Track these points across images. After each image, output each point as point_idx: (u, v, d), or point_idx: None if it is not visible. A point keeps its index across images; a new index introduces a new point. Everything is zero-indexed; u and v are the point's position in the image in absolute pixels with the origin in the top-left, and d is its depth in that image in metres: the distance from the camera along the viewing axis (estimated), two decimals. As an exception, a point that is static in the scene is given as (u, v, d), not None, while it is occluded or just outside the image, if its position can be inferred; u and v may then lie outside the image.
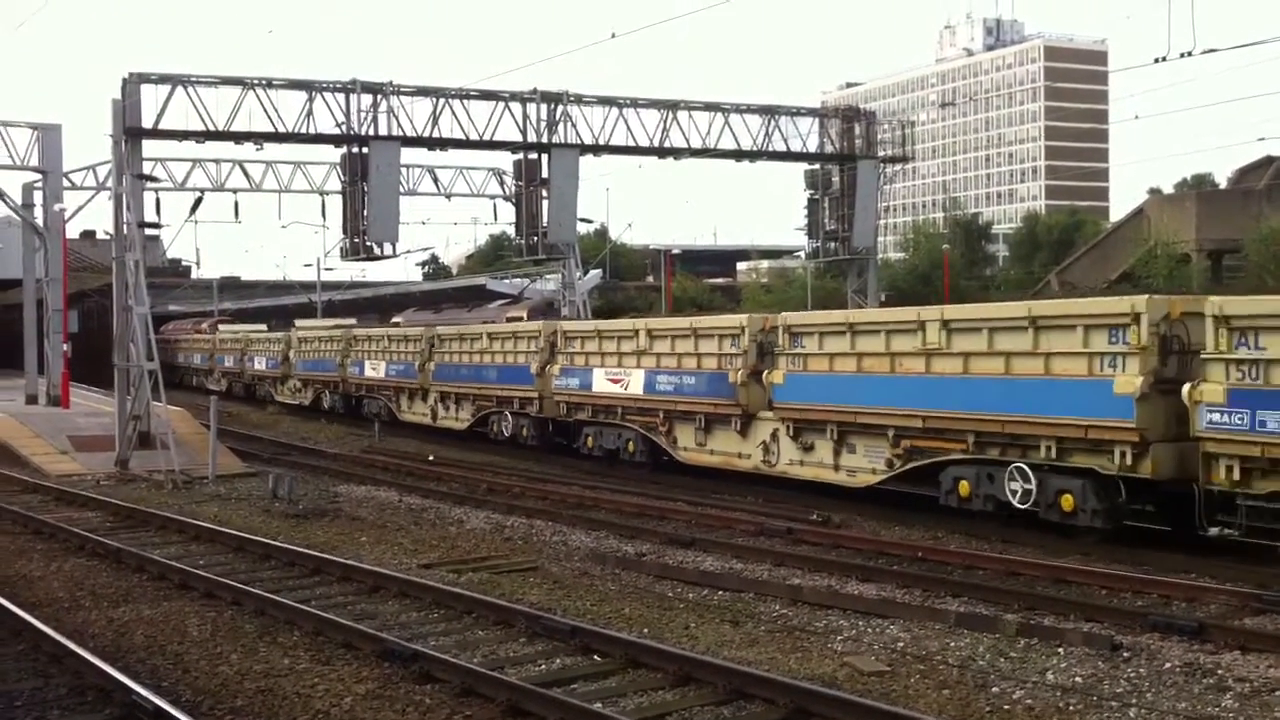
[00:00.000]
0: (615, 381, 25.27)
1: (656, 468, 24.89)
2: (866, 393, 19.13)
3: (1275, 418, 13.80)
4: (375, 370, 37.95)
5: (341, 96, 35.33)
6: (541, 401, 28.28)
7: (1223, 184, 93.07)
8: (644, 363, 24.49)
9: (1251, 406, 14.00)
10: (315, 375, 43.55)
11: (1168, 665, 11.02)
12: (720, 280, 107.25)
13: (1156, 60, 28.47)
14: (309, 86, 35.11)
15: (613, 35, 29.97)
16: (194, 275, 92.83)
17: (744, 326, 22.44)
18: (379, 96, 35.63)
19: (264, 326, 60.78)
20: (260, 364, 50.29)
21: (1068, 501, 16.25)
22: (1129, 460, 15.52)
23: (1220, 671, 10.79)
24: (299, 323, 54.33)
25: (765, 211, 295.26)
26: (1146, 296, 16.12)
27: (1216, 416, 14.36)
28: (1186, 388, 14.76)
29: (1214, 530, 14.79)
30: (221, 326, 63.95)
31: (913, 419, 18.22)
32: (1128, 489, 15.85)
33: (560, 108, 37.78)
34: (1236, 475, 14.25)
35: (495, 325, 35.21)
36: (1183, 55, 27.37)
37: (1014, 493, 16.95)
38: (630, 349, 25.23)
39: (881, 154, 43.56)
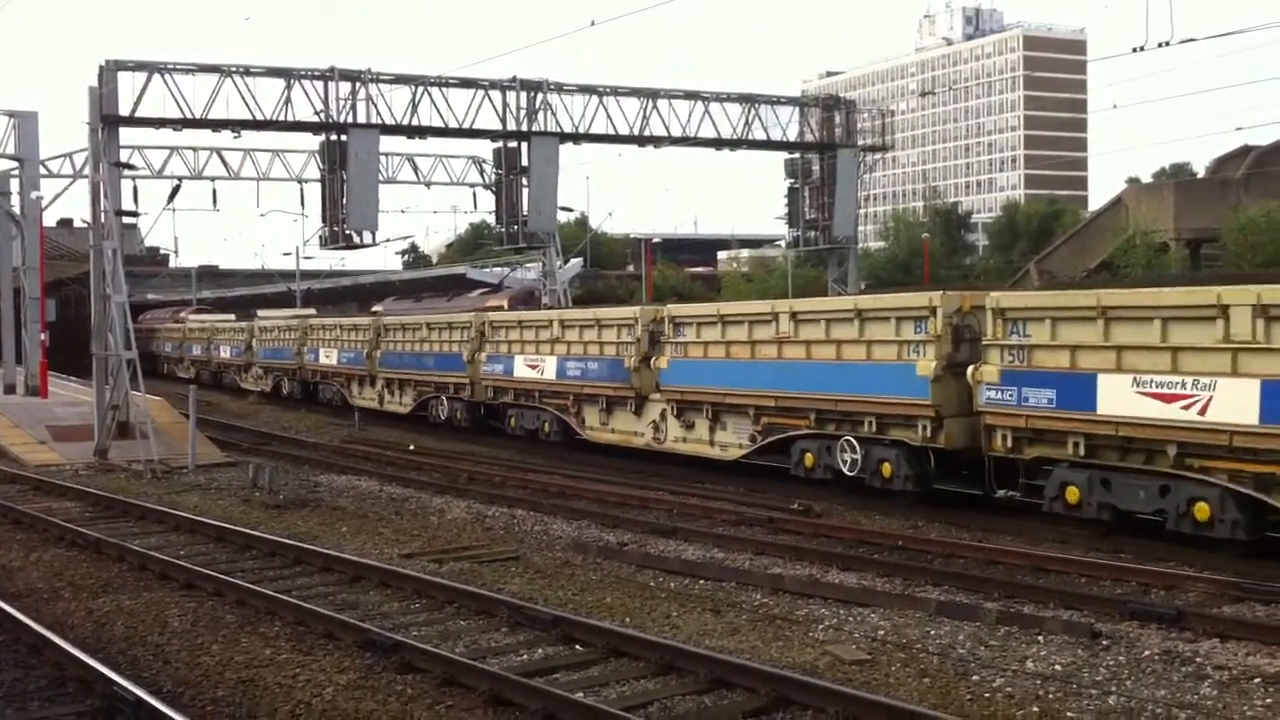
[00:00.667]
0: (533, 368, 27.62)
1: (570, 446, 27.04)
2: (734, 376, 21.76)
3: (1036, 394, 16.39)
4: (329, 358, 40.21)
5: (320, 84, 35.16)
6: (473, 387, 30.62)
7: (1201, 173, 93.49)
8: (557, 350, 26.57)
9: (1019, 385, 16.62)
10: (275, 363, 45.74)
11: (1147, 653, 11.09)
12: (701, 269, 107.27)
13: (1135, 50, 28.51)
14: (287, 74, 34.94)
15: (592, 23, 30.02)
16: (172, 263, 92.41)
17: (636, 317, 24.66)
18: (358, 84, 35.47)
19: (232, 316, 62.10)
20: (226, 352, 52.41)
21: (886, 469, 18.94)
22: (929, 433, 18.13)
23: (1199, 659, 10.87)
24: (260, 313, 55.82)
25: (746, 200, 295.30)
26: (941, 292, 18.38)
27: (993, 394, 16.93)
28: (970, 369, 17.28)
29: (1001, 493, 17.60)
30: (190, 316, 64.95)
31: (768, 399, 20.92)
32: (935, 458, 18.49)
33: (540, 96, 37.68)
34: (1010, 443, 16.91)
35: (433, 315, 36.77)
36: (1161, 45, 27.44)
37: (845, 462, 19.69)
38: (546, 338, 27.34)
39: (861, 143, 43.59)
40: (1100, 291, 16.10)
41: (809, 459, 20.41)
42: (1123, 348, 15.42)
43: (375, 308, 60.23)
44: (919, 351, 18.17)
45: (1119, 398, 15.30)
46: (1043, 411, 16.28)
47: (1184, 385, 14.62)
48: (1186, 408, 14.57)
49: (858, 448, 19.35)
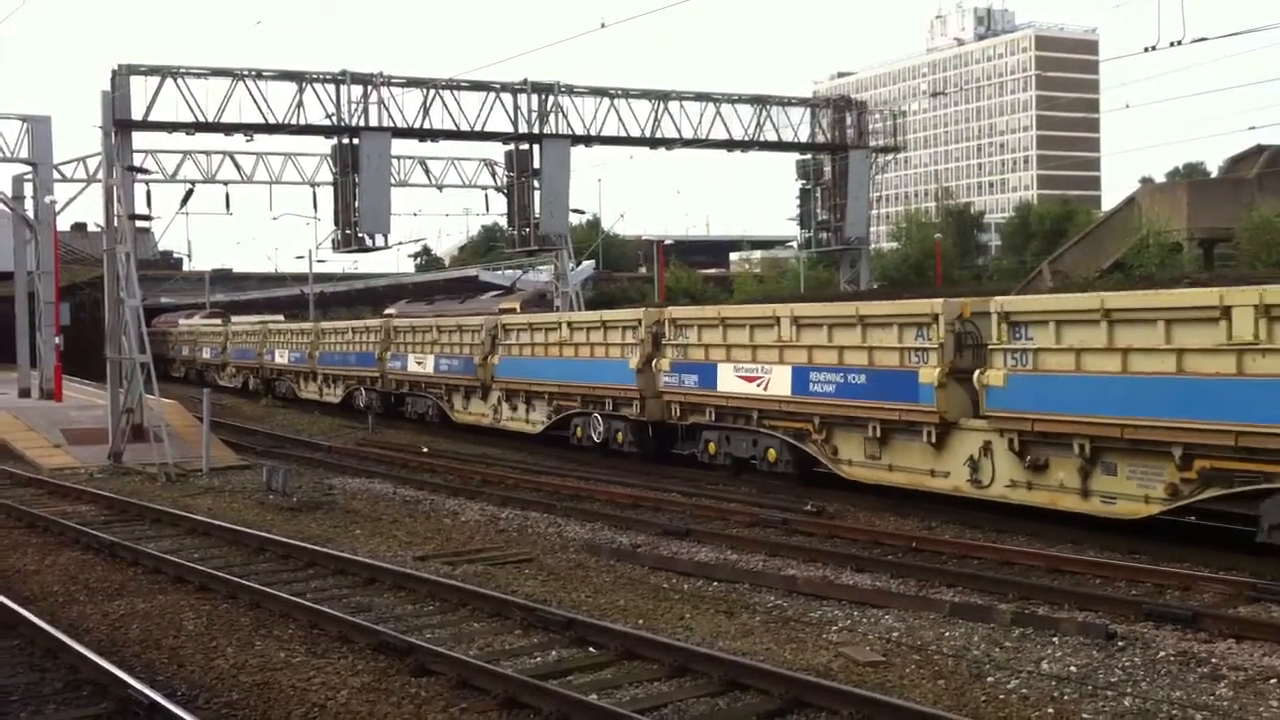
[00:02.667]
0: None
1: (447, 425, 30.96)
2: (536, 370, 25.83)
3: (688, 377, 22.95)
4: (282, 358, 46.30)
5: (332, 87, 35.22)
6: (382, 379, 36.97)
7: (1214, 173, 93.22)
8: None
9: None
10: (243, 362, 51.92)
11: (1162, 654, 11.05)
12: (713, 271, 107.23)
13: (1147, 49, 28.43)
14: (299, 77, 35.01)
15: (603, 25, 29.84)
16: (186, 267, 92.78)
17: (483, 325, 29.22)
18: (369, 87, 35.52)
19: (217, 321, 65.74)
20: (207, 353, 58.35)
21: (620, 437, 25.73)
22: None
23: (1214, 660, 10.83)
24: (235, 319, 61.47)
25: (758, 202, 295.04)
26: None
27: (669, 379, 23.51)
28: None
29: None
30: (181, 321, 68.66)
31: (555, 387, 24.97)
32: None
33: (551, 98, 37.70)
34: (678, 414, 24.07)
35: (358, 322, 42.72)
36: (1173, 44, 27.38)
37: (597, 434, 26.64)
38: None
39: (873, 144, 43.54)
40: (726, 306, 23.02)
41: (579, 431, 27.31)
42: (732, 346, 22.52)
43: (387, 310, 60.63)
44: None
45: (728, 380, 22.43)
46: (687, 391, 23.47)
47: (759, 370, 21.58)
48: (763, 386, 21.43)
49: (601, 423, 26.33)
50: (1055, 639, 11.63)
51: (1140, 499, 15.43)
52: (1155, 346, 15.02)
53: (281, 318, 60.47)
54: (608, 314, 27.66)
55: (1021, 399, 16.57)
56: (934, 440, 18.11)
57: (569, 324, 27.97)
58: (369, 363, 37.56)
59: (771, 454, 21.67)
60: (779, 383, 20.97)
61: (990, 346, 17.19)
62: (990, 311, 17.23)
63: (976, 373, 17.27)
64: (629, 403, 25.05)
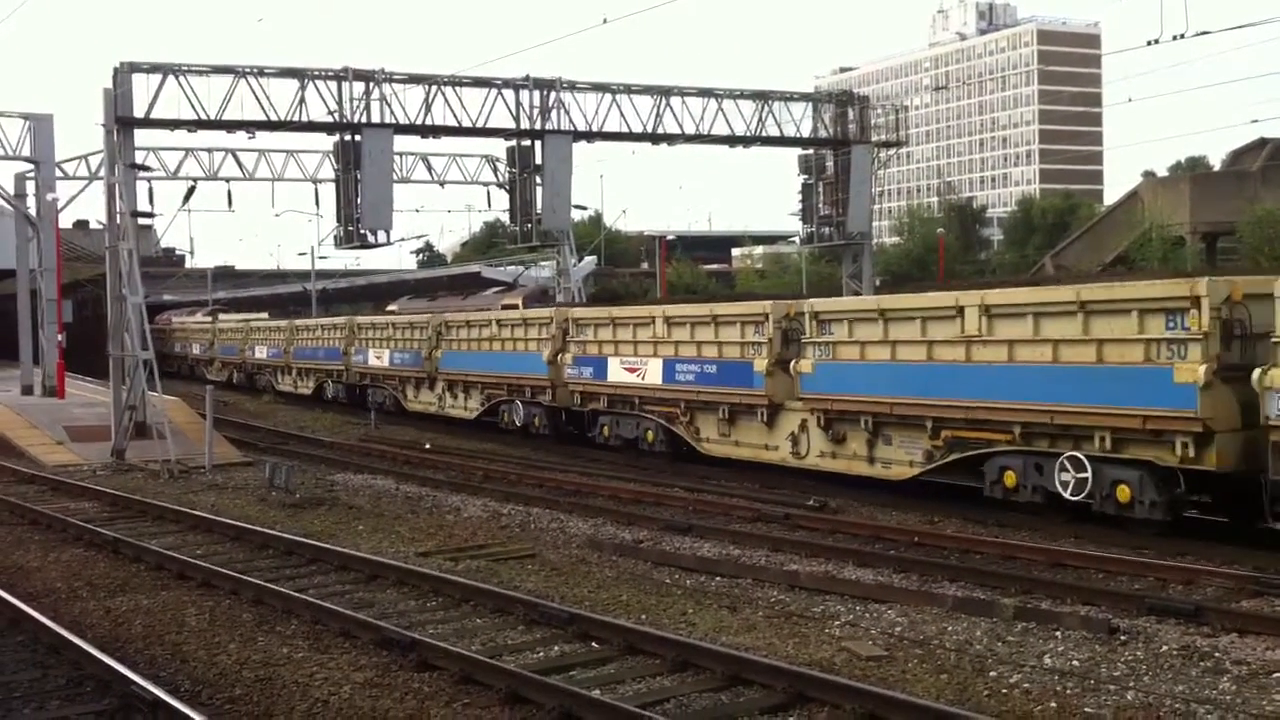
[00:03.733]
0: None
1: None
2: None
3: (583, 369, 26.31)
4: (262, 353, 49.69)
5: (333, 84, 35.20)
6: (347, 372, 40.33)
7: (1217, 166, 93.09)
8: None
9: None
10: (228, 358, 55.01)
11: (1165, 648, 11.04)
12: (716, 266, 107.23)
13: (1149, 43, 28.45)
14: (301, 74, 34.99)
15: (604, 20, 29.68)
16: (188, 264, 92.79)
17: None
18: (371, 84, 35.50)
19: (207, 319, 68.54)
20: (196, 349, 61.56)
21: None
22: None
23: (1217, 654, 10.82)
24: (221, 317, 64.22)
25: (760, 197, 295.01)
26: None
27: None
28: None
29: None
30: (174, 319, 70.59)
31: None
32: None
33: (553, 94, 37.67)
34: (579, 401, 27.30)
35: (326, 320, 46.78)
36: (1175, 38, 27.38)
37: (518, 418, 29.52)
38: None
39: (875, 138, 43.49)
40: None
41: (505, 416, 30.48)
42: (619, 342, 25.66)
43: (390, 306, 60.79)
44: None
45: (616, 371, 25.38)
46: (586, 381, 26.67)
47: (639, 363, 24.71)
48: (641, 376, 24.57)
49: (522, 409, 29.87)
50: (1058, 633, 11.63)
51: (906, 464, 19.06)
52: (913, 339, 18.55)
53: (265, 316, 62.69)
54: (528, 313, 31.44)
55: (825, 384, 20.13)
56: (766, 419, 21.77)
57: (498, 321, 31.18)
58: (336, 357, 41.02)
59: (650, 435, 25.01)
60: (653, 373, 24.44)
61: (804, 340, 20.67)
62: (804, 311, 20.83)
63: (792, 362, 20.79)
64: (543, 391, 28.51)
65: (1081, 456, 16.08)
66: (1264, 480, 14.22)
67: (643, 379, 24.61)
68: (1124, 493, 15.58)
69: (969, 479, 18.22)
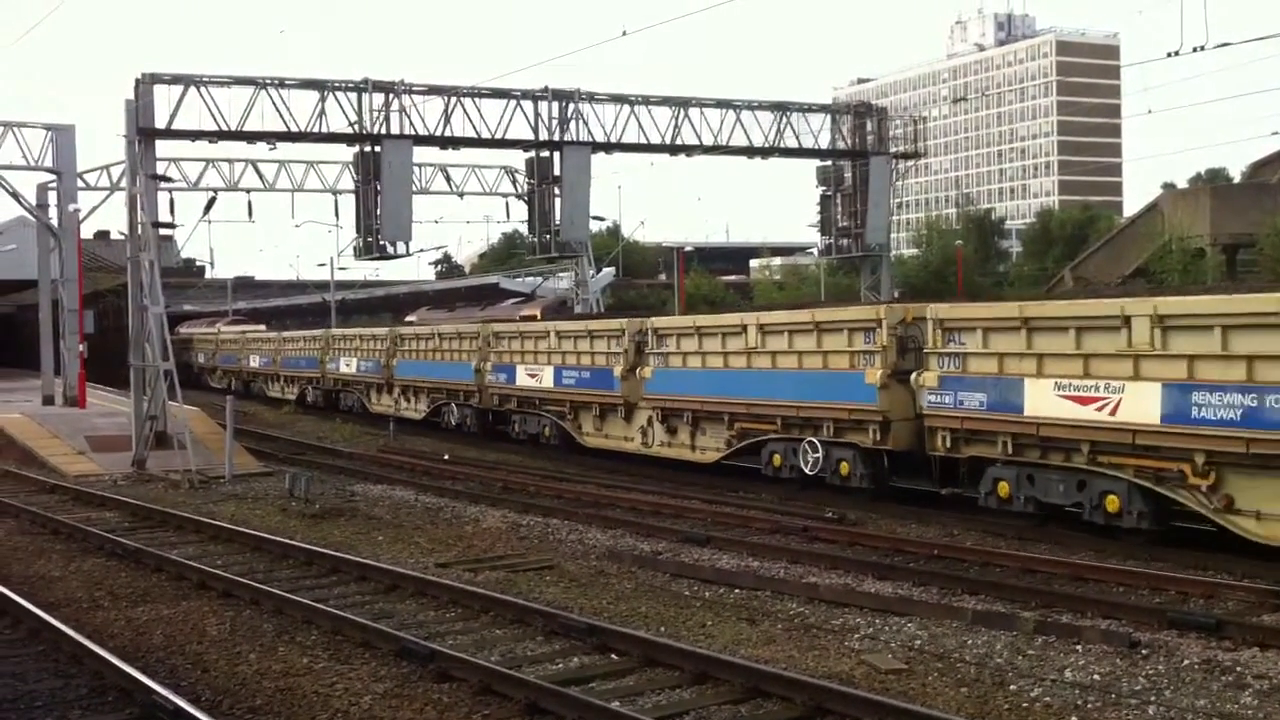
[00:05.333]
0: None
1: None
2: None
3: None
4: (255, 362, 53.77)
5: (354, 96, 35.42)
6: (323, 379, 44.25)
7: (1237, 178, 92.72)
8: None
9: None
10: (228, 366, 58.85)
11: (1186, 662, 10.99)
12: (734, 277, 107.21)
13: (1169, 54, 28.40)
14: (321, 86, 35.20)
15: (624, 33, 29.75)
16: (208, 275, 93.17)
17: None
18: (391, 95, 35.69)
19: (211, 330, 71.22)
20: (201, 358, 64.25)
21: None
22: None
23: (1239, 669, 10.77)
24: (221, 327, 67.93)
25: (778, 208, 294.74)
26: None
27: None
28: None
29: None
30: (181, 330, 71.82)
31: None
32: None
33: (572, 105, 37.82)
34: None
35: (308, 332, 50.20)
36: (1195, 49, 27.35)
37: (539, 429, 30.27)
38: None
39: (893, 150, 43.54)
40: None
41: (447, 418, 34.49)
42: (524, 352, 29.89)
43: (408, 317, 61.06)
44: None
45: (522, 377, 29.66)
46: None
47: (539, 370, 28.92)
48: (539, 381, 28.97)
49: (456, 411, 33.90)
50: (1078, 647, 11.58)
51: (715, 450, 23.42)
52: (716, 350, 22.93)
53: (263, 327, 64.44)
54: (462, 327, 34.84)
55: (662, 386, 24.40)
56: (624, 416, 25.90)
57: (439, 334, 35.05)
58: (314, 366, 44.81)
59: (547, 430, 29.09)
60: (548, 378, 28.53)
61: (647, 351, 25.05)
62: (647, 328, 25.29)
63: (637, 369, 25.08)
64: (473, 395, 32.26)
65: (817, 441, 20.61)
66: (932, 456, 18.55)
67: (540, 383, 28.94)
68: (844, 468, 20.19)
69: (756, 462, 22.45)
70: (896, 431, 19.05)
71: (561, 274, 59.91)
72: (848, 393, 19.67)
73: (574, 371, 27.52)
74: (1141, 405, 15.23)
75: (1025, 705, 9.91)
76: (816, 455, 20.59)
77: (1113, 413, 15.55)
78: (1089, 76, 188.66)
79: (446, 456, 29.43)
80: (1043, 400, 16.37)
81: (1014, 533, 17.33)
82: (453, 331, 34.28)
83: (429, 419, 35.65)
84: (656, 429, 24.91)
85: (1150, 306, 15.40)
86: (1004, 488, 17.27)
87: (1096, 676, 10.66)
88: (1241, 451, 14.17)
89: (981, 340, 17.53)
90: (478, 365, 31.50)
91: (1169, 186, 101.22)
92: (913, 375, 18.55)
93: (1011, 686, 10.42)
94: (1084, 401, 15.91)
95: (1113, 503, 15.82)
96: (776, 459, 21.64)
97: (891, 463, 19.84)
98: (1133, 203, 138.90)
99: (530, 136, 37.79)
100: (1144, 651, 11.33)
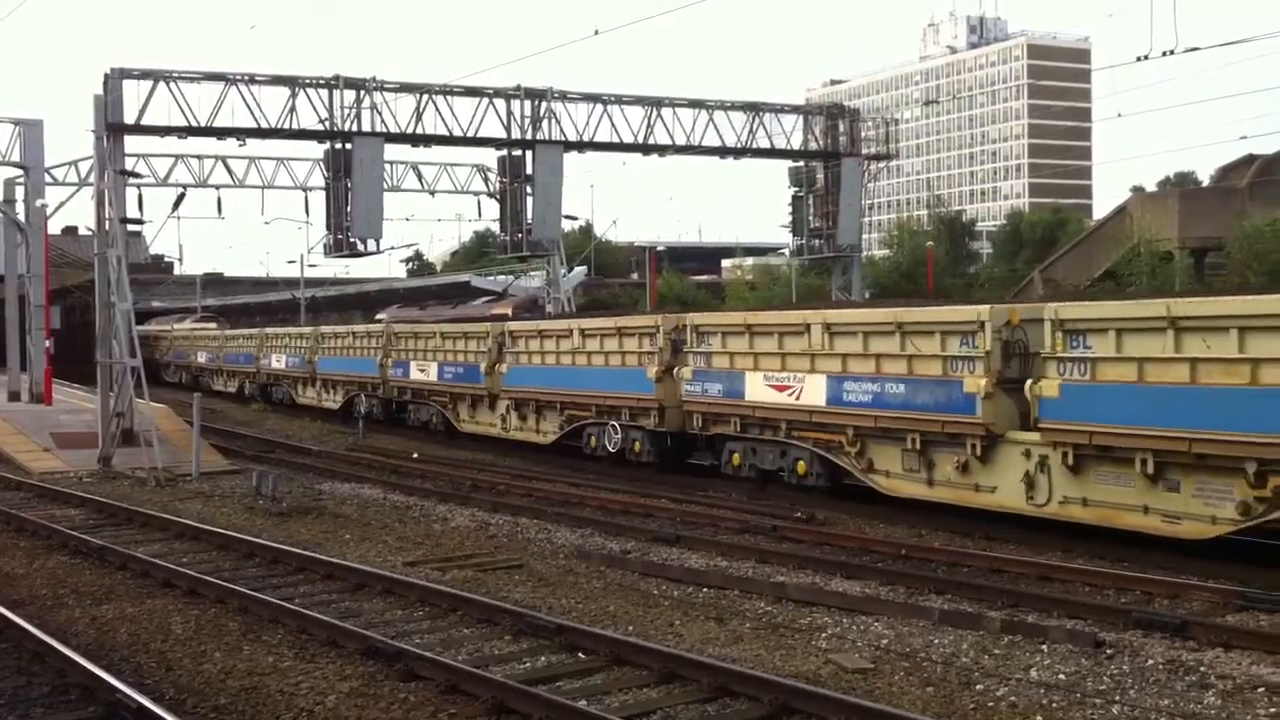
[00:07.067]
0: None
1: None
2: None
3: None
4: (203, 358, 56.91)
5: (325, 92, 35.26)
6: (257, 374, 47.27)
7: (1205, 182, 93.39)
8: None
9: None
10: (180, 362, 61.85)
11: (1150, 662, 11.06)
12: (705, 277, 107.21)
13: (1139, 58, 28.60)
14: (292, 82, 35.04)
15: (596, 32, 29.96)
16: (177, 271, 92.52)
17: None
18: (362, 92, 35.57)
19: (166, 327, 72.87)
20: (155, 354, 64.09)
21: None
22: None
23: (1203, 669, 10.84)
24: (174, 326, 70.62)
25: (750, 209, 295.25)
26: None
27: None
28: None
29: None
30: (139, 328, 70.69)
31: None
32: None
33: (544, 104, 37.77)
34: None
35: (245, 331, 54.46)
36: (1165, 53, 27.51)
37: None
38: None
39: (865, 151, 43.68)
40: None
41: (360, 407, 36.86)
42: (417, 350, 33.65)
43: (379, 315, 60.95)
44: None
45: (415, 373, 33.15)
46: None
47: (426, 365, 32.68)
48: (427, 375, 32.55)
49: (364, 401, 36.77)
50: (1044, 647, 11.63)
51: (552, 434, 27.29)
52: (552, 350, 27.00)
53: (214, 325, 65.54)
54: (371, 327, 39.34)
55: (515, 380, 28.26)
56: (490, 406, 29.64)
57: (353, 333, 38.61)
58: (251, 361, 48.06)
59: (434, 419, 32.84)
60: (433, 373, 32.07)
61: (505, 350, 28.94)
62: (505, 331, 29.33)
63: (497, 366, 28.78)
64: (378, 387, 35.70)
65: (617, 424, 24.79)
66: (693, 435, 22.86)
67: (428, 377, 32.45)
68: (637, 446, 24.46)
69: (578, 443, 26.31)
70: (670, 416, 23.37)
71: (533, 273, 59.82)
72: (636, 385, 23.99)
73: (453, 368, 31.11)
74: (815, 392, 19.77)
75: (991, 705, 9.95)
76: (618, 436, 24.89)
77: (798, 398, 20.07)
78: (1060, 80, 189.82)
79: (415, 455, 29.35)
80: (758, 389, 20.86)
81: (743, 493, 21.52)
82: (364, 331, 38.34)
83: (344, 410, 38.90)
84: (512, 416, 28.74)
85: (822, 317, 20.15)
86: (736, 458, 21.93)
87: (1062, 676, 10.71)
88: (873, 426, 18.70)
89: (721, 342, 22.07)
90: (381, 361, 35.13)
91: (1138, 190, 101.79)
92: (675, 369, 22.93)
93: (977, 686, 10.46)
94: (782, 389, 20.41)
95: (801, 467, 20.45)
96: (592, 440, 25.80)
97: (674, 442, 23.85)
98: (1102, 206, 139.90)
99: (502, 135, 37.72)
100: (1109, 651, 11.40)
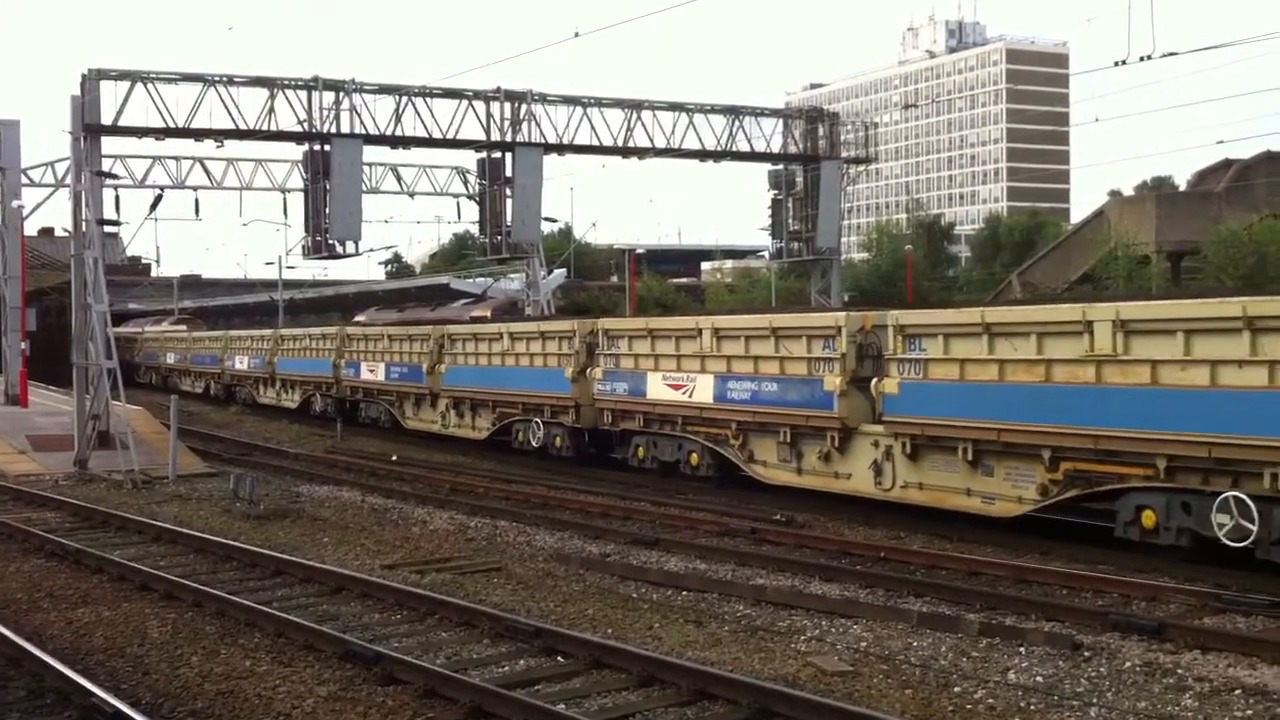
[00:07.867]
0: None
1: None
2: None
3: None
4: (171, 359, 59.99)
5: (303, 94, 35.06)
6: (221, 374, 50.45)
7: (1182, 186, 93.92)
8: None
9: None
10: (150, 363, 64.41)
11: (1128, 665, 11.10)
12: (685, 280, 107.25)
13: (1117, 63, 28.71)
14: (270, 84, 34.85)
15: (576, 34, 29.75)
16: (154, 273, 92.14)
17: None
18: (341, 94, 35.40)
19: (136, 329, 74.88)
20: (129, 355, 65.29)
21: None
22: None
23: (1180, 671, 10.88)
24: (147, 329, 72.72)
25: (729, 212, 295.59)
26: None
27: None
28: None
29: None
30: (124, 327, 73.75)
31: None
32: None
33: (524, 106, 37.67)
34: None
35: (208, 334, 57.70)
36: (1143, 59, 27.63)
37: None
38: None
39: (845, 155, 43.68)
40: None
41: (316, 406, 39.83)
42: (365, 351, 35.77)
43: (357, 317, 60.68)
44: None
45: (365, 374, 35.53)
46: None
47: (375, 365, 34.72)
48: (375, 374, 34.85)
49: (321, 400, 39.58)
50: (1022, 649, 11.67)
51: (485, 430, 29.00)
52: (485, 352, 28.97)
53: (184, 328, 66.89)
54: (326, 330, 41.22)
55: (452, 380, 30.10)
56: (431, 404, 31.40)
57: (309, 336, 40.76)
58: (215, 363, 51.06)
59: (382, 416, 34.75)
60: (381, 373, 34.25)
61: (443, 351, 30.70)
62: (444, 334, 31.05)
63: (437, 366, 30.46)
64: (332, 386, 37.97)
65: (540, 421, 26.43)
66: (604, 431, 24.58)
67: (377, 377, 34.63)
68: (558, 441, 25.97)
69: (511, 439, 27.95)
70: (585, 414, 25.13)
71: (513, 275, 59.73)
72: (556, 385, 25.72)
73: (399, 368, 33.10)
74: (705, 390, 21.61)
75: (969, 707, 9.97)
76: (541, 432, 26.45)
77: (691, 396, 21.91)
78: (1038, 84, 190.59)
79: (394, 458, 29.28)
80: (658, 388, 22.74)
81: (649, 484, 23.20)
82: (319, 334, 40.33)
83: (300, 407, 41.13)
84: (451, 414, 30.48)
85: (711, 322, 22.03)
86: (640, 451, 23.77)
87: (1040, 678, 10.74)
88: (752, 421, 20.62)
89: (627, 345, 23.96)
90: (335, 361, 37.38)
91: (1115, 194, 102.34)
92: (589, 370, 24.79)
93: (956, 688, 10.48)
94: (677, 388, 22.24)
95: (694, 459, 22.27)
96: (520, 435, 27.48)
97: (592, 437, 25.48)
98: (1080, 210, 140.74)
99: (482, 137, 37.60)
100: (1086, 654, 11.44)
